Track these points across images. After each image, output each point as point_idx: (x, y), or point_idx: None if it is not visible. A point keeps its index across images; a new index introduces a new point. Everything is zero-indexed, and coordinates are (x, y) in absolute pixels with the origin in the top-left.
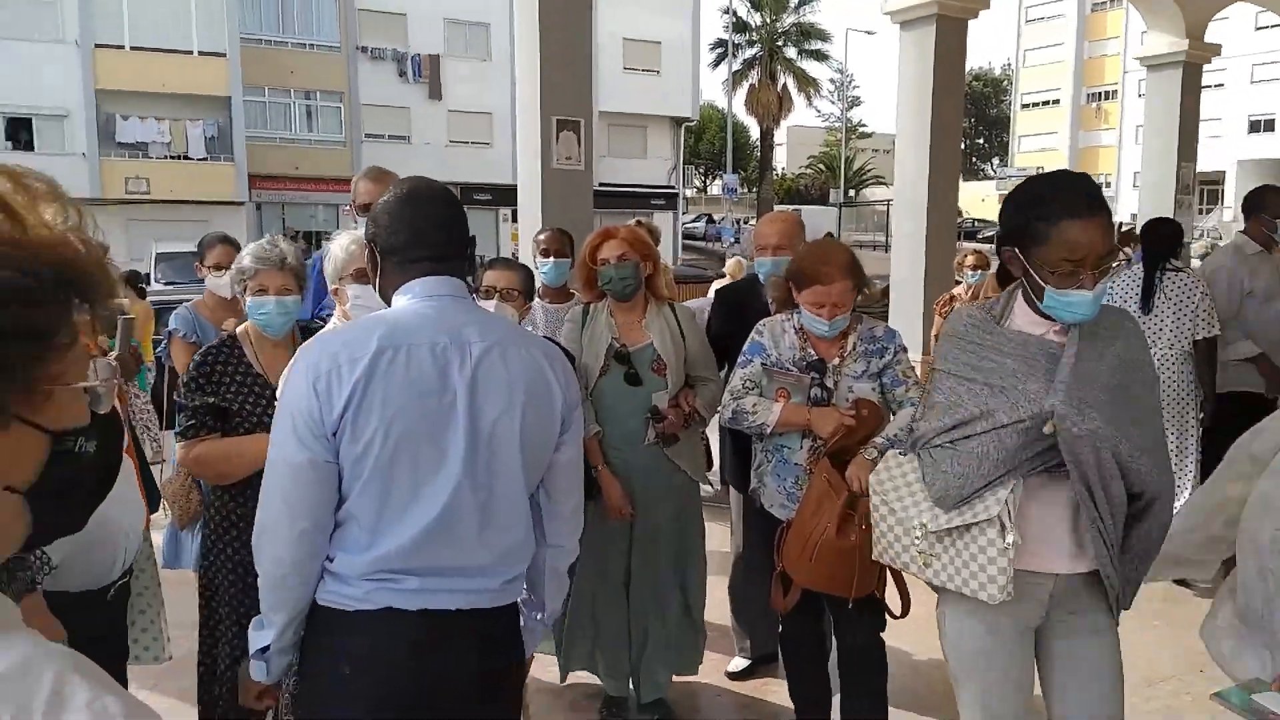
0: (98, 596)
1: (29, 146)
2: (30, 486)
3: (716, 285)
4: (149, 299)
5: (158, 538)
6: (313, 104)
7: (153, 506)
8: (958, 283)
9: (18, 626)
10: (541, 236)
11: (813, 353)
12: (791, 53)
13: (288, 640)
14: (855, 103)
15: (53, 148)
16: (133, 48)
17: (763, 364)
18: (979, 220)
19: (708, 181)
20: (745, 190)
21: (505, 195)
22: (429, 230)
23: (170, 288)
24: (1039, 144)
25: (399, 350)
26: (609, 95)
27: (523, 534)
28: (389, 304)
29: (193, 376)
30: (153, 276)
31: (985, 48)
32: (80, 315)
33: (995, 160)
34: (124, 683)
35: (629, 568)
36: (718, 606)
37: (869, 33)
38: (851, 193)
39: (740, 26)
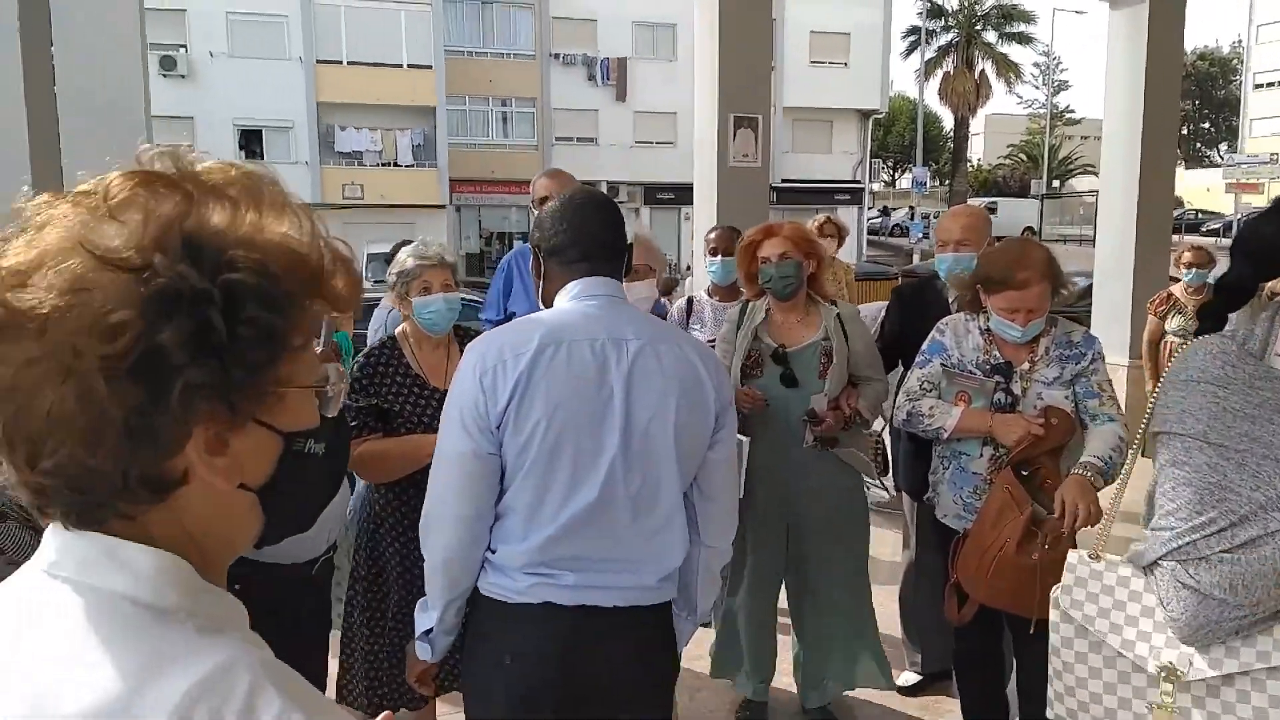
0: (305, 569)
1: (259, 156)
2: (261, 486)
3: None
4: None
5: None
6: (508, 110)
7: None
8: (1174, 280)
9: (233, 627)
10: (711, 235)
11: (999, 355)
12: (991, 37)
13: (449, 622)
14: (1061, 87)
15: (280, 157)
16: (350, 63)
17: (942, 365)
18: (1203, 212)
19: (896, 175)
20: (937, 183)
21: (688, 194)
22: (589, 234)
23: (378, 286)
24: (1273, 127)
25: (560, 346)
26: (794, 90)
27: (677, 529)
28: (550, 305)
29: (355, 378)
30: (364, 275)
31: (1211, 24)
32: (312, 317)
33: (1223, 146)
34: (327, 650)
35: (785, 570)
36: (889, 618)
37: (1078, 12)
38: (1056, 183)
39: (935, 12)
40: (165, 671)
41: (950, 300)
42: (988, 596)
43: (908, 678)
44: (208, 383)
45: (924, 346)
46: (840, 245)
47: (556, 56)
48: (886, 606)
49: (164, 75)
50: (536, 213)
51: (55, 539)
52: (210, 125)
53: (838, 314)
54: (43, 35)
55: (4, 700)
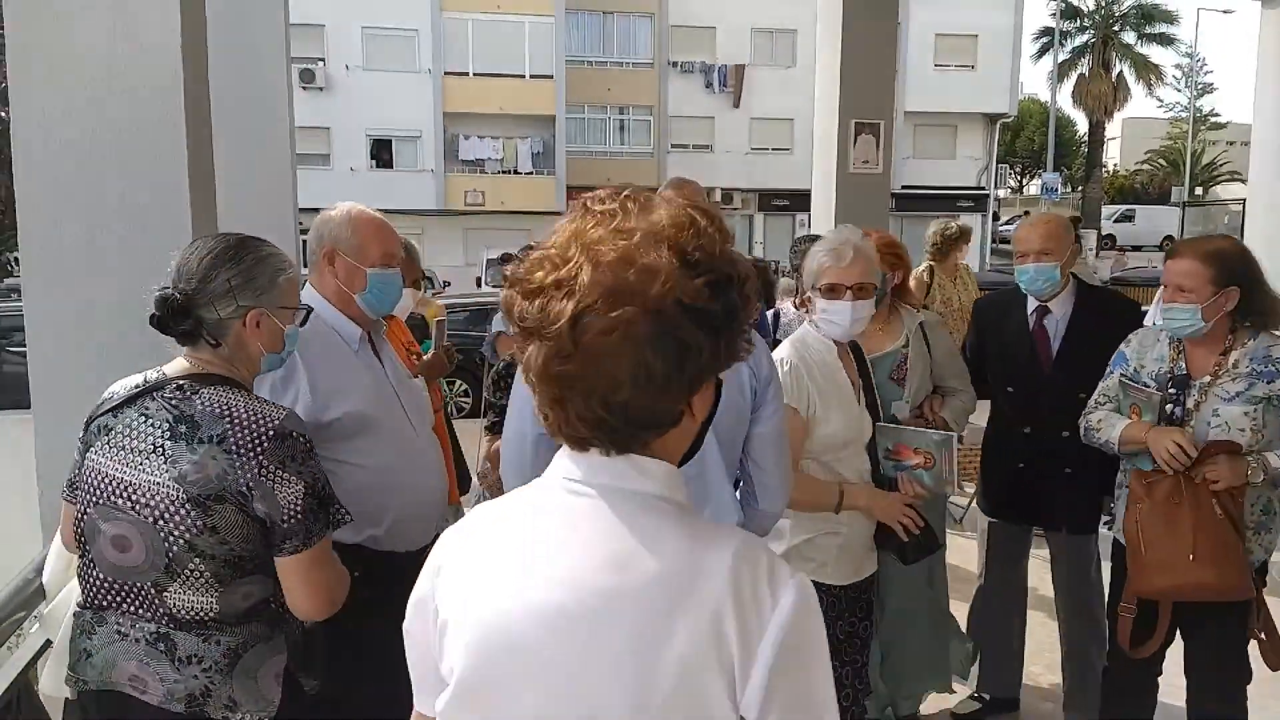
0: (417, 557)
1: (389, 165)
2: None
3: None
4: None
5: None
6: (626, 118)
7: (463, 488)
8: None
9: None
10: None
11: (1183, 367)
12: (1130, 37)
13: None
14: (1206, 90)
15: (407, 165)
16: (475, 74)
17: (1120, 377)
18: None
19: (1024, 181)
20: (1069, 190)
21: (803, 200)
22: None
23: (497, 289)
24: None
25: None
26: (916, 94)
27: (726, 501)
28: None
29: (500, 376)
30: (483, 280)
31: None
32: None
33: None
34: None
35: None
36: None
37: (1225, 11)
38: (1198, 190)
39: (1070, 13)
40: (712, 543)
41: (1030, 311)
42: (1195, 586)
43: (967, 705)
44: (723, 350)
45: (1112, 358)
46: (961, 252)
47: (674, 64)
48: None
49: (304, 88)
50: None
51: (580, 463)
52: (344, 135)
53: (921, 322)
54: (200, 51)
55: (581, 562)
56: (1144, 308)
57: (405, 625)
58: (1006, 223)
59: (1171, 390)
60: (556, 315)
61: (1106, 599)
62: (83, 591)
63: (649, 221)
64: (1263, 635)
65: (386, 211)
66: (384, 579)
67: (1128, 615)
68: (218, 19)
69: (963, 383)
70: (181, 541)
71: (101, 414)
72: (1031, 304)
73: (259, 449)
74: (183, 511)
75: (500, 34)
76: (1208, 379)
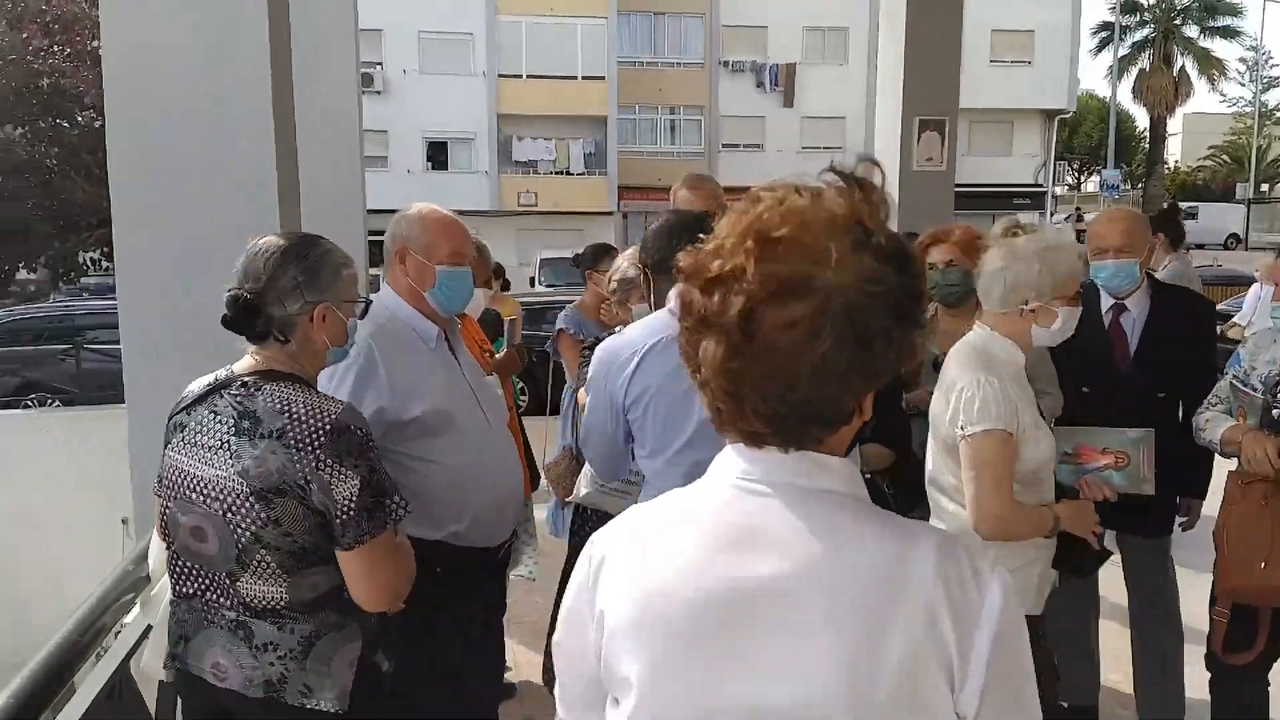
0: (494, 553)
1: (444, 166)
2: None
3: None
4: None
5: (540, 511)
6: (677, 118)
7: (534, 484)
8: None
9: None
10: None
11: None
12: (1192, 31)
13: None
14: (1272, 84)
15: (462, 167)
16: (529, 76)
17: (1233, 378)
18: None
19: (1082, 178)
20: (1129, 186)
21: None
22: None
23: (551, 289)
24: None
25: (659, 341)
26: (972, 90)
27: None
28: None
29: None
30: (537, 279)
31: None
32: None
33: None
34: (501, 632)
35: None
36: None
37: None
38: (1264, 187)
39: (1130, 7)
40: (916, 536)
41: (1105, 309)
42: (1272, 590)
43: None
44: (906, 339)
45: (1230, 359)
46: None
47: (725, 64)
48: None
49: (363, 92)
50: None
51: (755, 460)
52: (401, 138)
53: None
54: (285, 61)
55: (777, 561)
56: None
57: (555, 638)
58: (1064, 219)
59: (1278, 395)
60: (731, 308)
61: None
62: (170, 581)
63: (819, 205)
64: None
65: None
66: (464, 574)
67: (1221, 620)
68: (293, 27)
69: (1050, 384)
70: (248, 534)
71: (178, 412)
72: (1107, 301)
73: (316, 443)
74: (248, 505)
75: (553, 36)
76: None
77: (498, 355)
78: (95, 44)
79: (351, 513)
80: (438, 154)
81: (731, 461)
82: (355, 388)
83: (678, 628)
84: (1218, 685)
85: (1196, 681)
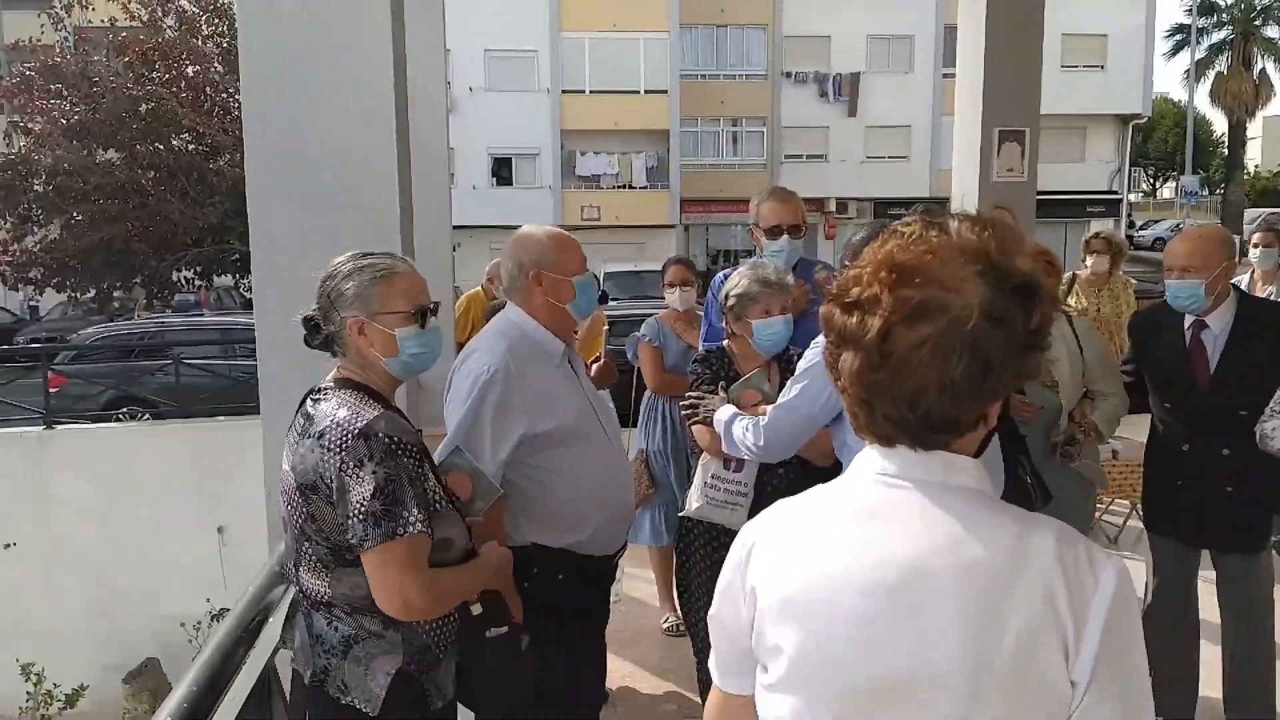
0: (609, 562)
1: (508, 182)
2: None
3: None
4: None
5: None
6: (739, 130)
7: None
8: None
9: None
10: None
11: None
12: (1272, 32)
13: None
14: None
15: (526, 182)
16: (591, 91)
17: None
18: None
19: (1157, 184)
20: (1207, 192)
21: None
22: None
23: (614, 302)
24: None
25: None
26: (1044, 96)
27: None
28: None
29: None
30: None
31: None
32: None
33: None
34: (605, 643)
35: None
36: None
37: None
38: None
39: (1207, 9)
40: (1035, 527)
41: (1186, 326)
42: None
43: None
44: (1026, 364)
45: None
46: (1115, 263)
47: (788, 75)
48: None
49: None
50: (754, 231)
51: (891, 457)
52: (467, 154)
53: (1073, 329)
54: (404, 93)
55: (911, 545)
56: None
57: (712, 612)
58: (1140, 227)
59: None
60: (869, 328)
61: None
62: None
63: (952, 237)
64: None
65: (506, 228)
66: (585, 581)
67: None
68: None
69: (1113, 386)
70: (297, 526)
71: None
72: (1189, 318)
73: (344, 445)
74: (297, 498)
75: (616, 52)
76: None
77: (594, 367)
78: (192, 70)
79: (360, 515)
80: (502, 170)
81: (871, 459)
82: (499, 401)
83: (823, 603)
84: None
85: None
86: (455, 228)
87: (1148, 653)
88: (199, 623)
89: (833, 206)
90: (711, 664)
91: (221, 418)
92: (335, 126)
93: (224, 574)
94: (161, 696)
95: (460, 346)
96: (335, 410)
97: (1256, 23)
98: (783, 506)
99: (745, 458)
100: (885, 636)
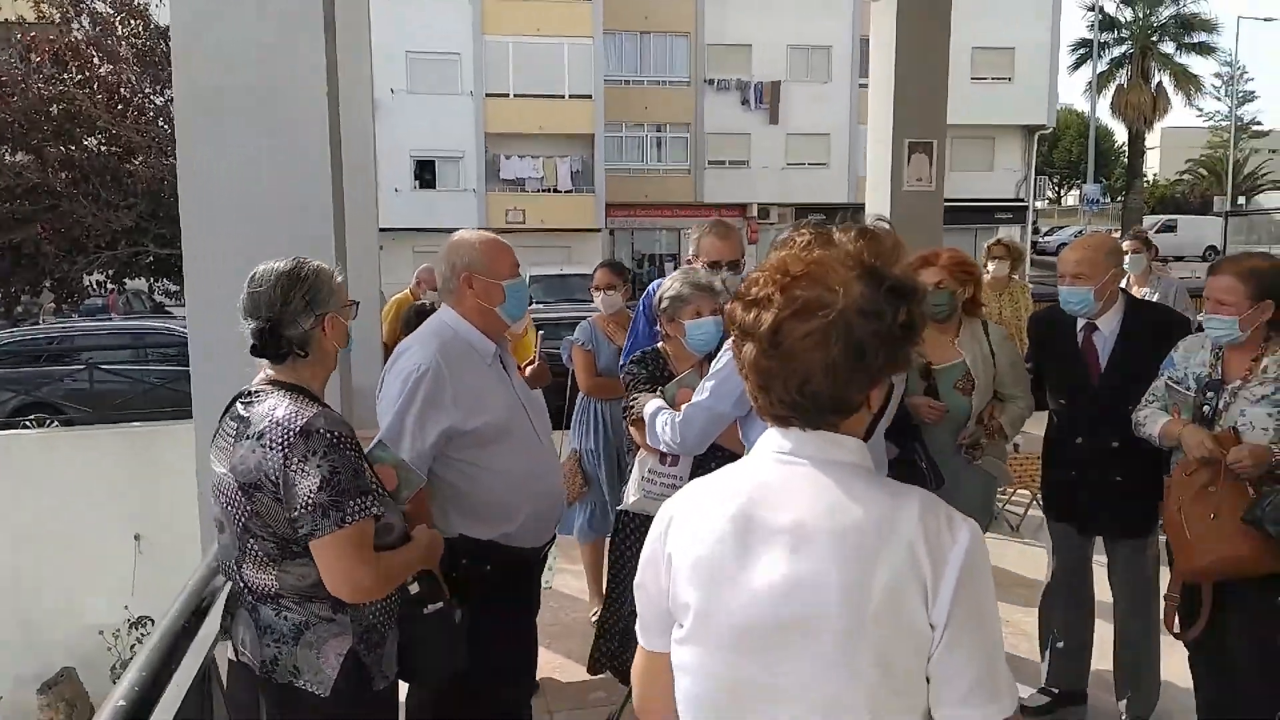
0: (537, 554)
1: (431, 184)
2: None
3: None
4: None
5: None
6: (663, 135)
7: None
8: None
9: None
10: None
11: (1219, 372)
12: (1169, 48)
13: None
14: (1247, 98)
15: (450, 185)
16: (516, 95)
17: (1168, 379)
18: None
19: (1062, 192)
20: (1109, 200)
21: (839, 214)
22: None
23: (541, 305)
24: None
25: None
26: (954, 107)
27: None
28: None
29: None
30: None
31: None
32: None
33: None
34: (535, 635)
35: None
36: (1027, 640)
37: (1267, 19)
38: (1241, 200)
39: (1108, 24)
40: (903, 497)
41: (1079, 328)
42: (1233, 563)
43: (1036, 698)
44: (898, 355)
45: (1164, 362)
46: (1014, 267)
47: (710, 82)
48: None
49: None
50: (697, 261)
51: (787, 436)
52: (389, 157)
53: (987, 335)
54: (335, 102)
55: (799, 512)
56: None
57: (637, 580)
58: (1046, 234)
59: (1208, 394)
60: (763, 322)
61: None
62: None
63: (835, 247)
64: None
65: (429, 231)
66: (513, 572)
67: (1172, 604)
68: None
69: (1021, 390)
70: (241, 524)
71: (218, 424)
72: (1081, 320)
73: (286, 443)
74: (239, 498)
75: (540, 55)
76: (1238, 383)
77: (528, 369)
78: (105, 70)
79: (309, 507)
80: (425, 172)
81: (771, 439)
82: (427, 398)
83: (721, 560)
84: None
85: (1177, 670)
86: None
87: (1048, 629)
88: (117, 631)
89: (755, 212)
90: (638, 628)
91: (138, 423)
92: (269, 131)
93: (141, 581)
94: (78, 706)
95: (387, 349)
96: (272, 410)
97: (1154, 38)
98: (697, 484)
99: (664, 450)
100: (777, 587)
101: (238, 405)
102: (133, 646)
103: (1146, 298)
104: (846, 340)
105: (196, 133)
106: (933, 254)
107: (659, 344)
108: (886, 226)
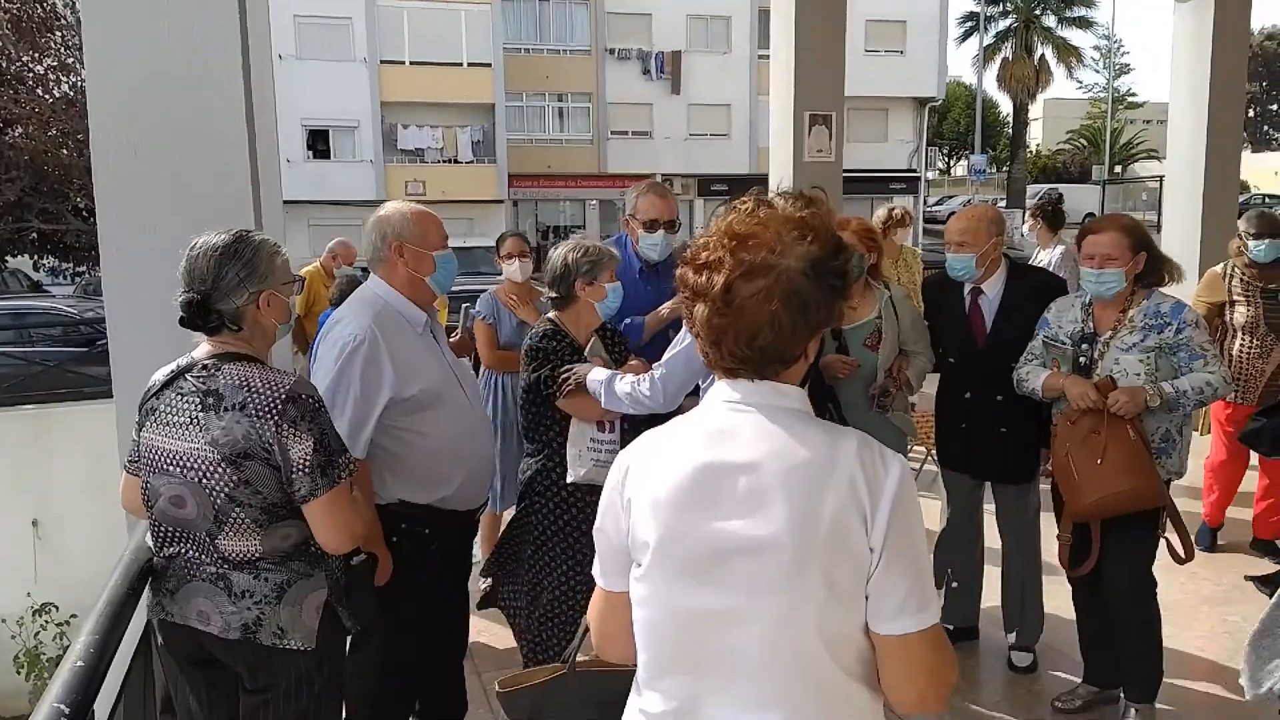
0: (471, 516)
1: (326, 155)
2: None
3: None
4: None
5: None
6: (565, 105)
7: None
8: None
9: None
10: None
11: (1091, 326)
12: (1050, 21)
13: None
14: (1123, 70)
15: (345, 155)
16: (412, 63)
17: (1044, 338)
18: (1270, 196)
19: (952, 163)
20: (995, 170)
21: (741, 185)
22: None
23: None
24: None
25: None
26: (850, 79)
27: None
28: None
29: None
30: None
31: None
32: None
33: None
34: (468, 598)
35: None
36: None
37: None
38: (1118, 169)
39: None
40: (840, 437)
41: (965, 291)
42: (1117, 500)
43: None
44: (835, 308)
45: (1039, 323)
46: (900, 235)
47: (612, 51)
48: None
49: None
50: (631, 223)
51: (736, 387)
52: (280, 125)
53: (889, 296)
54: (247, 73)
55: (751, 453)
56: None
57: (597, 525)
58: (936, 203)
59: (1083, 346)
60: (715, 284)
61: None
62: (154, 544)
63: (774, 212)
64: (1169, 536)
65: (325, 203)
66: (451, 533)
67: (1065, 543)
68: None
69: (923, 346)
70: (223, 495)
71: (147, 399)
72: (969, 285)
73: (275, 411)
74: (220, 470)
75: (436, 22)
76: (1109, 334)
77: (450, 339)
78: None
79: (308, 469)
80: (318, 142)
81: (720, 390)
82: (364, 368)
83: (680, 498)
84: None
85: (1060, 604)
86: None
87: (943, 569)
88: (21, 619)
89: (659, 182)
90: (596, 570)
91: (30, 406)
92: (183, 102)
93: (43, 568)
94: None
95: (299, 322)
96: (246, 381)
97: (1037, 12)
98: (651, 433)
99: (633, 411)
100: (733, 520)
101: (188, 379)
102: (37, 634)
103: (1047, 263)
104: (791, 297)
105: (108, 105)
106: (843, 221)
107: (550, 315)
108: (821, 194)
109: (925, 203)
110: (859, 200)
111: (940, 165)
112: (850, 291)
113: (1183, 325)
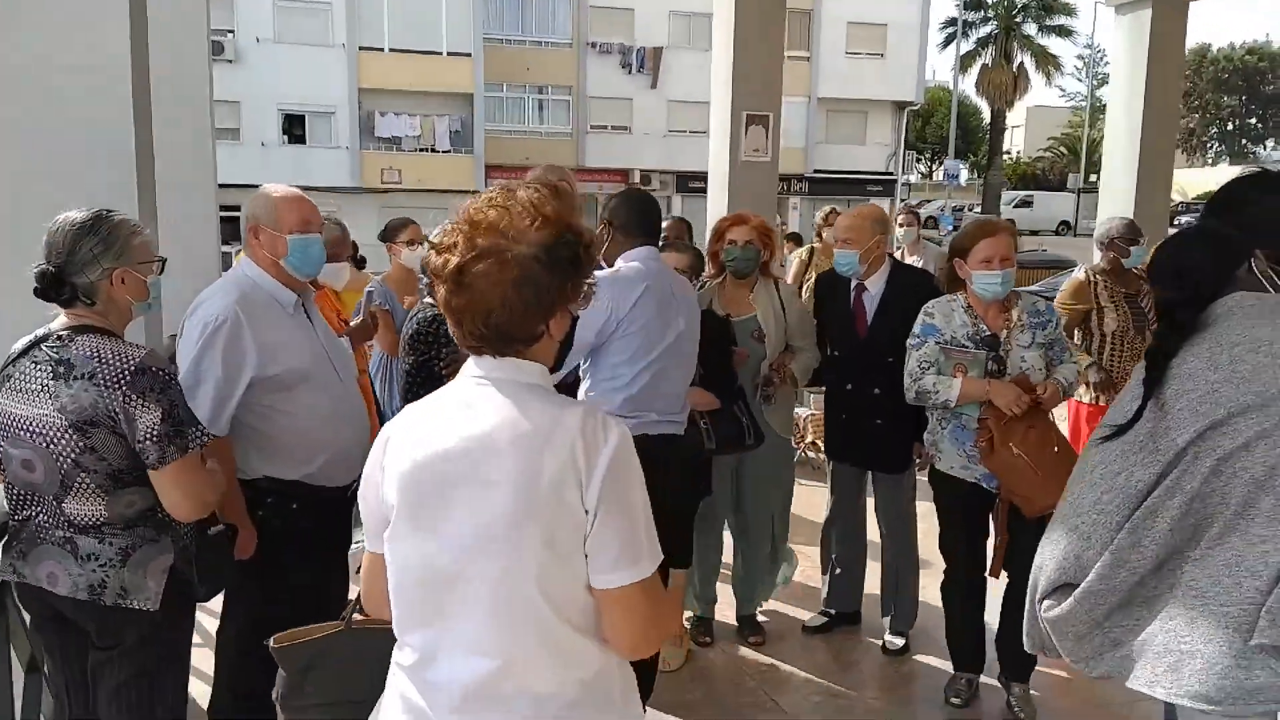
0: (342, 492)
1: (301, 140)
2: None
3: None
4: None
5: None
6: (545, 98)
7: None
8: None
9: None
10: (666, 224)
11: (985, 328)
12: (1031, 29)
13: None
14: (1103, 80)
15: (321, 141)
16: (391, 50)
17: (938, 344)
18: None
19: (932, 167)
20: (974, 176)
21: None
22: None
23: None
24: None
25: (652, 283)
26: (829, 80)
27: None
28: (612, 264)
29: (419, 338)
30: None
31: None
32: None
33: (1270, 143)
34: (346, 571)
35: (733, 509)
36: (815, 569)
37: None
38: (1094, 177)
39: (974, 4)
40: (567, 409)
41: (852, 288)
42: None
43: (816, 619)
44: (568, 289)
45: (915, 329)
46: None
47: (593, 45)
48: (809, 557)
49: (213, 59)
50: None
51: (481, 364)
52: (255, 109)
53: (779, 292)
54: (142, 46)
55: (486, 423)
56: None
57: (360, 492)
58: (916, 206)
59: (988, 349)
60: (449, 265)
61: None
62: (8, 505)
63: (516, 198)
64: None
65: (301, 188)
66: (320, 509)
67: (1001, 548)
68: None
69: (808, 343)
70: (70, 461)
71: (5, 367)
72: (855, 281)
73: (122, 381)
74: (67, 436)
75: (417, 9)
76: (1005, 334)
77: (352, 323)
78: None
79: (155, 438)
80: (294, 127)
81: (469, 366)
82: (226, 347)
83: (422, 464)
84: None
85: (932, 592)
86: (240, 186)
87: (830, 554)
88: None
89: (637, 178)
90: (364, 534)
91: None
92: (62, 74)
93: None
94: None
95: None
96: (97, 351)
97: (1017, 19)
98: (411, 407)
99: None
100: (460, 485)
101: (42, 349)
102: None
103: (915, 263)
104: (522, 279)
105: None
106: (746, 215)
107: (429, 299)
108: (567, 186)
109: (902, 205)
110: (836, 200)
111: (921, 170)
112: (587, 270)
113: (1056, 322)
